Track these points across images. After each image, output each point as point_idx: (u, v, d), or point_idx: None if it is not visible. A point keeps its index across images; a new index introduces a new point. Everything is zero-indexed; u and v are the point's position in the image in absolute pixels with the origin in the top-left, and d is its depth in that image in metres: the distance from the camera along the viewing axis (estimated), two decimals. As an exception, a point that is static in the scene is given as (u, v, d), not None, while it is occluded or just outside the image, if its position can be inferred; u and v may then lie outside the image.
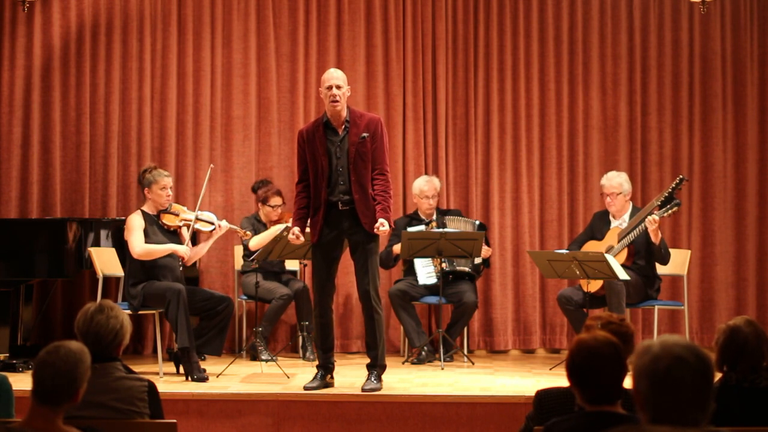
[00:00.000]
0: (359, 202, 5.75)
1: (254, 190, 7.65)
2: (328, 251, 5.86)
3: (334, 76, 5.83)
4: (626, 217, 7.12)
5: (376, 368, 5.88)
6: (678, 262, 7.35)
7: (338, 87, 5.76)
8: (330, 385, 5.91)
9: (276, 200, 7.50)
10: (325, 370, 5.91)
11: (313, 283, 5.99)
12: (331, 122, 5.83)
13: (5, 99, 7.84)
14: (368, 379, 5.84)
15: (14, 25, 7.87)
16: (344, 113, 5.81)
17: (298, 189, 5.92)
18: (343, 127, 5.81)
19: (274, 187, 7.61)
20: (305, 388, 5.77)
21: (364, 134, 5.77)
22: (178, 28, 8.00)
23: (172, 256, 6.57)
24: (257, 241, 7.17)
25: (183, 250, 6.51)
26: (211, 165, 7.14)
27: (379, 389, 5.78)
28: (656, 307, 7.08)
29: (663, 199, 6.80)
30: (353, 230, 5.81)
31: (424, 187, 7.43)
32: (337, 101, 5.75)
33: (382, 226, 5.71)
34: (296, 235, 5.83)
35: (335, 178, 5.78)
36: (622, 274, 6.49)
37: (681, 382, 2.25)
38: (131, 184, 7.85)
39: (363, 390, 5.74)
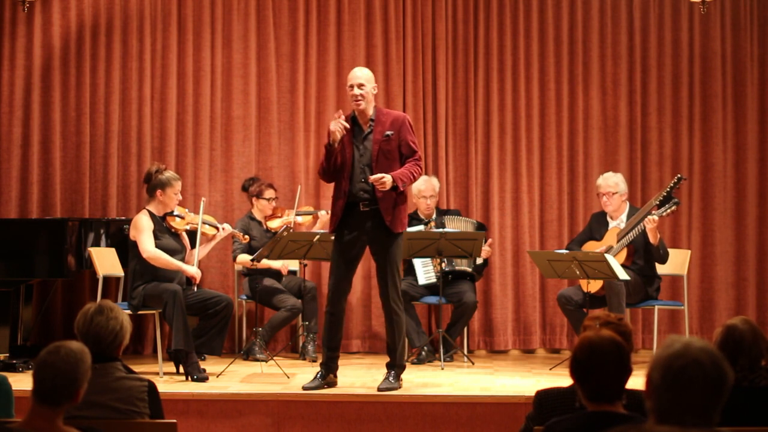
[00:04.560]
0: (382, 201, 5.73)
1: (245, 188, 7.64)
2: (346, 250, 5.83)
3: (356, 75, 5.84)
4: (624, 217, 7.12)
5: (395, 368, 5.87)
6: (678, 262, 7.35)
7: (360, 86, 5.77)
8: (332, 384, 5.87)
9: (270, 192, 7.51)
10: (327, 369, 5.87)
11: (329, 280, 5.95)
12: (357, 119, 5.85)
13: (5, 99, 7.85)
14: (386, 378, 5.84)
15: (14, 25, 7.87)
16: (370, 111, 5.82)
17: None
18: (369, 125, 5.82)
19: (266, 181, 7.62)
20: (304, 388, 5.76)
21: (389, 132, 5.78)
22: (178, 28, 8.00)
23: (178, 258, 6.56)
24: (243, 260, 7.21)
25: (193, 271, 6.47)
26: (203, 198, 7.00)
27: (396, 389, 5.76)
28: (656, 307, 7.09)
29: (661, 198, 6.80)
30: (375, 231, 5.79)
31: (422, 186, 7.42)
32: (359, 100, 5.77)
33: (383, 178, 5.60)
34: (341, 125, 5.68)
35: (357, 174, 5.78)
36: (622, 274, 6.49)
37: (690, 385, 2.25)
38: (131, 184, 7.86)
39: (378, 389, 5.73)
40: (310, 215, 7.54)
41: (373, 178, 5.64)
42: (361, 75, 5.83)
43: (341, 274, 5.85)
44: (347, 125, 5.72)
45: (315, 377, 5.86)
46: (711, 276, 8.08)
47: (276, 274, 7.49)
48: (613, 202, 7.10)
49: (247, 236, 7.08)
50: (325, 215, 7.46)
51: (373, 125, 5.81)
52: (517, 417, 5.03)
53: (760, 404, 3.43)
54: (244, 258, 7.22)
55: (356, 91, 5.77)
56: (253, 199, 7.55)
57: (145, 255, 6.41)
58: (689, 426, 2.23)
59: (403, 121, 5.84)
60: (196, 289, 6.47)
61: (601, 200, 7.18)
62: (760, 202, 8.12)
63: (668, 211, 6.73)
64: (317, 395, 5.68)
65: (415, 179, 5.83)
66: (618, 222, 7.12)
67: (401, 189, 5.71)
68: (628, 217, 7.08)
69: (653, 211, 6.78)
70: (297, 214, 7.42)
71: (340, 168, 5.80)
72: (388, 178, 5.62)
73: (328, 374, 5.87)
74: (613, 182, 7.12)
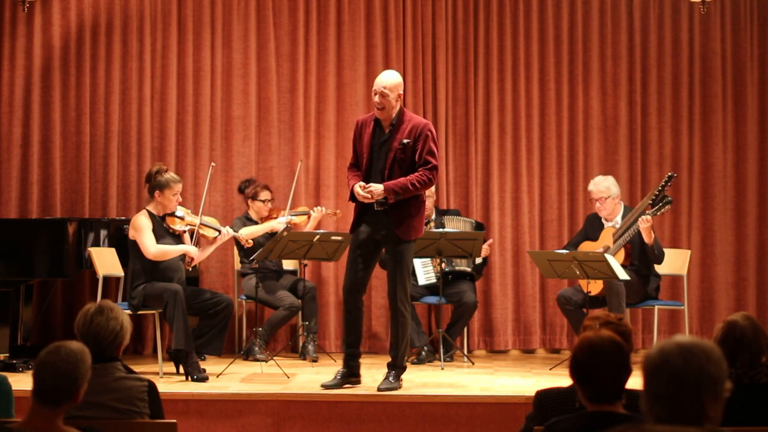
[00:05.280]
0: (392, 207, 5.74)
1: (241, 190, 7.65)
2: (360, 248, 5.86)
3: (382, 82, 5.80)
4: (619, 218, 7.12)
5: (395, 368, 5.87)
6: (678, 262, 7.35)
7: (383, 95, 5.76)
8: (354, 383, 5.87)
9: (265, 194, 7.52)
10: (348, 368, 5.89)
11: (345, 279, 5.96)
12: (380, 121, 5.85)
13: (5, 99, 7.85)
14: (386, 378, 5.85)
15: (14, 25, 7.87)
16: (393, 115, 5.81)
17: (349, 171, 5.96)
18: (389, 129, 5.82)
19: (261, 183, 7.63)
20: (322, 386, 5.78)
21: (405, 141, 5.75)
22: (178, 28, 8.00)
23: (177, 256, 6.58)
24: (248, 232, 7.16)
25: (193, 250, 6.53)
26: (212, 163, 7.12)
27: (396, 389, 5.76)
28: (656, 307, 7.09)
29: (653, 197, 6.80)
30: (388, 235, 5.79)
31: None
32: (380, 108, 5.78)
33: (370, 187, 5.67)
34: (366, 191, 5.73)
35: (372, 177, 5.79)
36: (622, 274, 6.49)
37: (655, 374, 2.26)
38: (131, 184, 7.85)
39: (378, 389, 5.73)
40: (305, 215, 7.54)
41: (362, 186, 5.68)
42: (387, 82, 5.78)
43: (355, 272, 5.87)
44: (370, 202, 5.74)
45: (335, 376, 5.88)
46: (711, 276, 8.08)
47: (275, 273, 7.49)
48: (606, 206, 7.10)
49: (251, 241, 7.06)
50: (319, 212, 7.46)
51: (392, 131, 5.80)
52: (517, 417, 5.02)
53: (760, 401, 3.43)
54: (244, 231, 7.16)
55: (377, 99, 5.77)
56: (249, 201, 7.55)
57: (149, 255, 6.41)
58: (669, 420, 2.23)
59: (422, 130, 5.78)
60: (190, 269, 6.51)
61: (595, 206, 7.18)
62: (760, 202, 8.12)
63: (662, 210, 6.73)
64: (317, 395, 5.68)
65: (418, 189, 5.74)
66: (613, 223, 7.12)
67: (392, 200, 5.69)
68: (623, 217, 7.07)
69: (647, 211, 6.78)
70: (292, 215, 7.41)
71: (360, 171, 5.85)
72: (375, 189, 5.66)
73: (349, 373, 5.88)
74: (604, 187, 7.11)
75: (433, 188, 7.40)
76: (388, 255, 5.92)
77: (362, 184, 5.73)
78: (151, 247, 6.42)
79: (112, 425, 3.37)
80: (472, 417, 5.55)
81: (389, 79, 5.82)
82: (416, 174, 5.72)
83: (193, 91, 7.99)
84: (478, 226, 7.46)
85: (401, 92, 5.85)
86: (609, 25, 8.14)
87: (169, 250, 6.47)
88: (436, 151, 5.82)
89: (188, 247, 6.55)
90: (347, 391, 5.79)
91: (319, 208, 7.51)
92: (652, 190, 7.01)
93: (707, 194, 8.10)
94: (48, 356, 2.90)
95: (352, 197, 5.84)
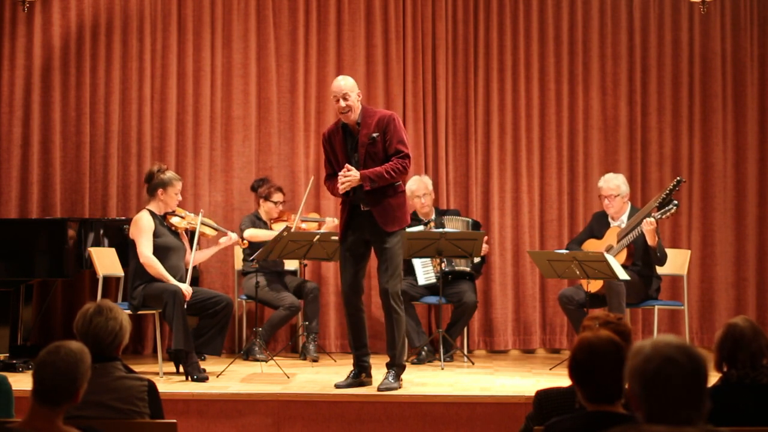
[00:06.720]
0: (375, 205, 5.78)
1: (254, 188, 7.65)
2: (350, 250, 5.89)
3: (340, 87, 5.82)
4: (624, 218, 7.11)
5: (394, 368, 5.88)
6: (678, 262, 7.35)
7: (345, 98, 5.79)
8: (364, 384, 5.89)
9: (278, 196, 7.52)
10: (359, 368, 5.92)
11: (341, 283, 6.01)
12: (348, 126, 5.88)
13: (5, 99, 7.85)
14: (385, 378, 5.85)
15: (14, 25, 7.88)
16: (356, 116, 5.84)
17: (327, 182, 6.01)
18: (356, 130, 5.85)
19: (275, 184, 7.63)
20: (336, 386, 5.79)
21: (374, 134, 5.78)
22: (178, 28, 8.00)
23: (178, 255, 6.57)
24: (252, 233, 7.20)
25: (185, 288, 6.42)
26: (201, 210, 6.93)
27: (396, 388, 5.77)
28: (656, 307, 7.08)
29: (660, 200, 6.80)
30: (374, 231, 5.83)
31: (413, 186, 7.39)
32: (346, 112, 5.80)
33: (348, 171, 5.71)
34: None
35: None
36: (623, 274, 6.49)
37: (670, 382, 2.26)
38: (131, 184, 7.86)
39: (378, 389, 5.74)
40: (316, 222, 7.54)
41: (345, 174, 5.72)
42: (345, 86, 5.82)
43: (349, 275, 5.90)
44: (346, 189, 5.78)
45: (348, 376, 5.91)
46: (711, 276, 8.08)
47: (276, 273, 7.49)
48: (614, 204, 7.09)
49: (246, 242, 7.09)
50: (331, 222, 7.45)
51: (359, 129, 5.83)
52: (517, 417, 5.02)
53: (762, 402, 3.43)
54: (254, 233, 7.23)
55: (342, 103, 5.79)
56: (261, 201, 7.55)
57: (141, 259, 6.42)
58: (683, 420, 2.23)
59: (387, 121, 5.82)
60: (185, 306, 6.39)
61: (603, 202, 7.17)
62: (760, 202, 8.12)
63: (668, 213, 6.72)
64: (317, 395, 5.68)
65: (394, 177, 5.77)
66: (619, 222, 7.12)
67: (368, 187, 5.71)
68: (629, 217, 7.07)
69: (653, 213, 6.78)
70: (303, 220, 7.42)
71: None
72: (352, 174, 5.69)
73: (360, 374, 5.92)
74: (614, 185, 7.10)
75: (428, 186, 7.42)
76: (376, 252, 5.93)
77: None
78: (145, 252, 6.41)
79: (112, 425, 3.37)
80: (472, 417, 5.55)
81: (345, 83, 5.86)
82: (390, 163, 5.76)
83: (193, 91, 7.99)
84: (475, 225, 7.46)
85: (359, 91, 5.90)
86: (609, 25, 8.15)
87: (159, 269, 6.40)
88: (405, 138, 5.85)
89: (179, 285, 6.42)
90: (347, 391, 5.78)
91: (331, 219, 7.50)
92: (659, 193, 7.00)
93: (707, 194, 8.10)
94: (48, 356, 2.90)
95: (344, 193, 5.85)
